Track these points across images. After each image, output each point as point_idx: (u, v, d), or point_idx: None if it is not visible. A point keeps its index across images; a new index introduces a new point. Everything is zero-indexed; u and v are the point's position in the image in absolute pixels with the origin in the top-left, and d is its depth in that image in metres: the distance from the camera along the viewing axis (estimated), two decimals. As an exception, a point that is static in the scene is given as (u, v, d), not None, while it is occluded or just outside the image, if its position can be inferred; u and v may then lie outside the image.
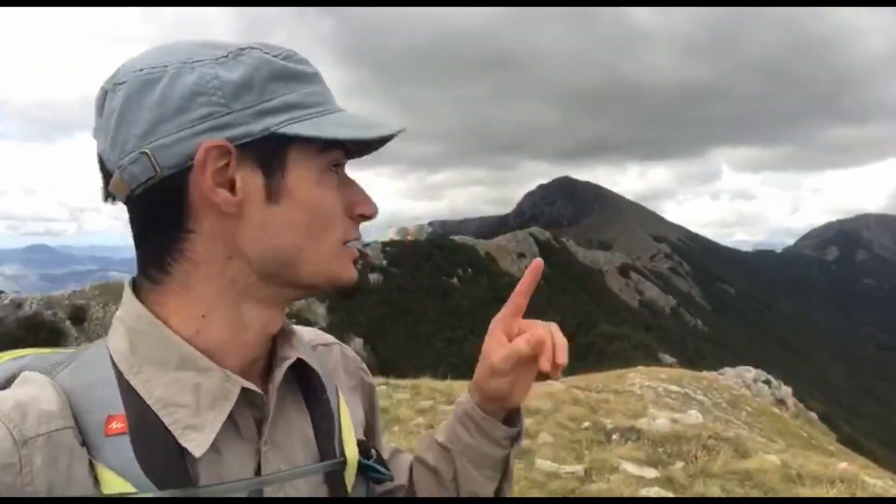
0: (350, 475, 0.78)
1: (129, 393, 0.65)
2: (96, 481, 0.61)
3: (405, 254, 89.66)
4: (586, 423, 7.04)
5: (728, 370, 19.95)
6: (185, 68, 0.66)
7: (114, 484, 0.61)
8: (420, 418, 7.82)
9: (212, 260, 0.69)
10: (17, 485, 0.57)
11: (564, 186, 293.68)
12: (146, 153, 0.64)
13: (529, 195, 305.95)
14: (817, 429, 17.46)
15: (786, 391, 19.19)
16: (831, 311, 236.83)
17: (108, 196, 0.70)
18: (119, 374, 0.66)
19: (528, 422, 7.13)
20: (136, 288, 0.73)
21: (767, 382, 19.31)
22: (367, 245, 78.43)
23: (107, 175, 0.68)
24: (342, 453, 0.78)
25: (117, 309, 0.72)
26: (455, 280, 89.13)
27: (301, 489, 0.72)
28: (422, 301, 79.88)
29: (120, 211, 0.70)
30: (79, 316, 50.21)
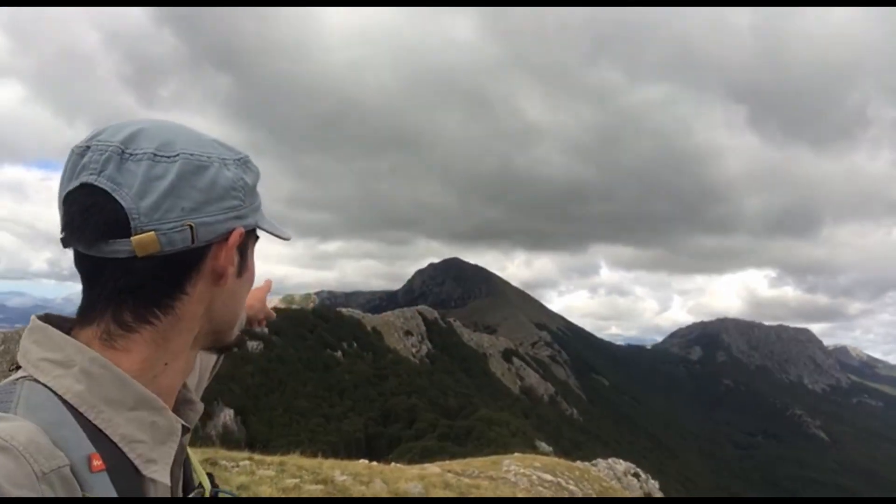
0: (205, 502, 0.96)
1: (95, 432, 0.73)
2: None
3: (289, 323, 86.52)
4: (453, 512, 6.72)
5: (600, 461, 20.13)
6: (225, 164, 0.86)
7: None
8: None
9: (191, 317, 0.84)
10: None
11: (454, 267, 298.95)
12: (191, 226, 0.80)
13: (420, 273, 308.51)
14: (681, 523, 17.85)
15: (653, 485, 19.58)
16: (695, 408, 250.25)
17: (94, 242, 0.79)
18: (78, 415, 0.73)
19: (397, 508, 6.76)
20: (57, 325, 0.81)
21: (636, 476, 19.61)
22: (248, 311, 74.80)
23: (115, 226, 0.78)
24: (199, 483, 0.96)
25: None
26: (339, 353, 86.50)
27: None
28: (301, 373, 76.56)
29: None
30: None
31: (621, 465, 20.23)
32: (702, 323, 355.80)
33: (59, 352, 0.76)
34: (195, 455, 0.98)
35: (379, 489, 7.15)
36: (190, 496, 0.89)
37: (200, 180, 0.81)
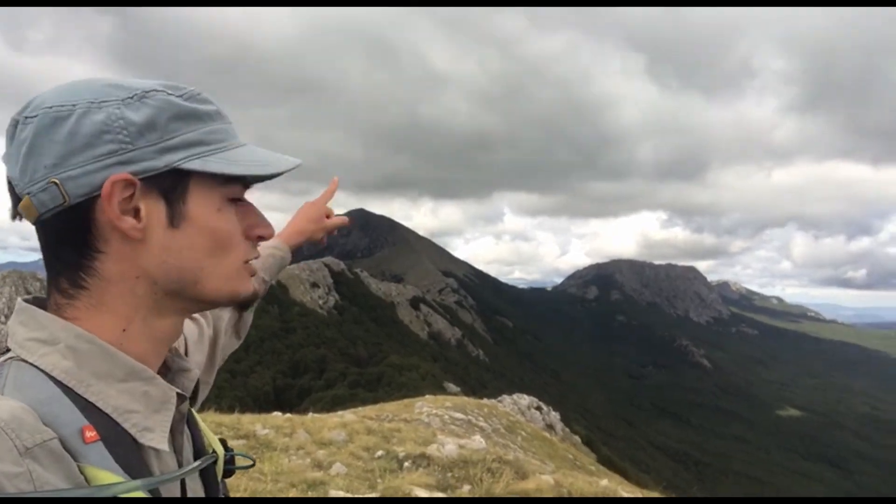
0: (219, 468, 0.93)
1: (86, 406, 0.72)
2: (90, 484, 0.67)
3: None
4: (380, 452, 7.05)
5: (506, 397, 20.97)
6: (92, 108, 0.74)
7: (108, 481, 0.68)
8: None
9: (121, 279, 0.77)
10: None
11: (360, 218, 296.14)
12: (55, 182, 0.73)
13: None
14: (581, 451, 19.19)
15: (554, 417, 20.78)
16: (592, 344, 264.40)
17: (17, 215, 0.78)
18: (68, 390, 0.72)
19: (321, 453, 7.01)
20: (40, 305, 0.80)
21: (539, 409, 20.66)
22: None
23: (16, 197, 0.76)
24: (213, 449, 0.93)
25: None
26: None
27: (194, 482, 0.87)
28: (204, 330, 74.44)
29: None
30: None
31: (525, 399, 21.25)
32: (597, 265, 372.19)
33: (43, 330, 0.76)
34: None
35: (304, 440, 7.32)
36: (196, 464, 0.86)
37: (58, 132, 0.74)
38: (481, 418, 13.95)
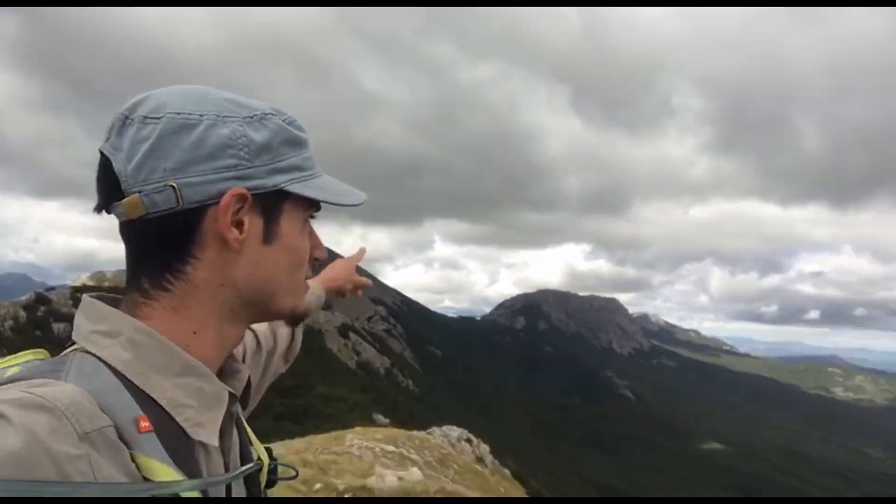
0: (263, 476, 0.94)
1: (142, 397, 0.75)
2: (141, 474, 0.70)
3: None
4: (318, 485, 6.73)
5: (436, 429, 20.70)
6: (218, 121, 0.80)
7: (160, 472, 0.71)
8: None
9: (206, 286, 0.81)
10: (90, 476, 0.64)
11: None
12: (173, 186, 0.77)
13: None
14: (511, 483, 19.03)
15: (484, 449, 20.60)
16: (521, 374, 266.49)
17: (103, 209, 0.81)
18: (126, 381, 0.75)
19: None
20: (110, 302, 0.83)
21: (469, 441, 20.45)
22: (50, 290, 67.75)
23: (110, 190, 0.79)
24: (258, 456, 0.95)
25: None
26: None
27: (239, 487, 0.88)
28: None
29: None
30: None
31: (455, 431, 20.99)
32: (525, 294, 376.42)
33: (105, 323, 0.79)
34: None
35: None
36: (246, 468, 0.87)
37: (184, 139, 0.78)
38: (413, 450, 13.57)
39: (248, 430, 0.97)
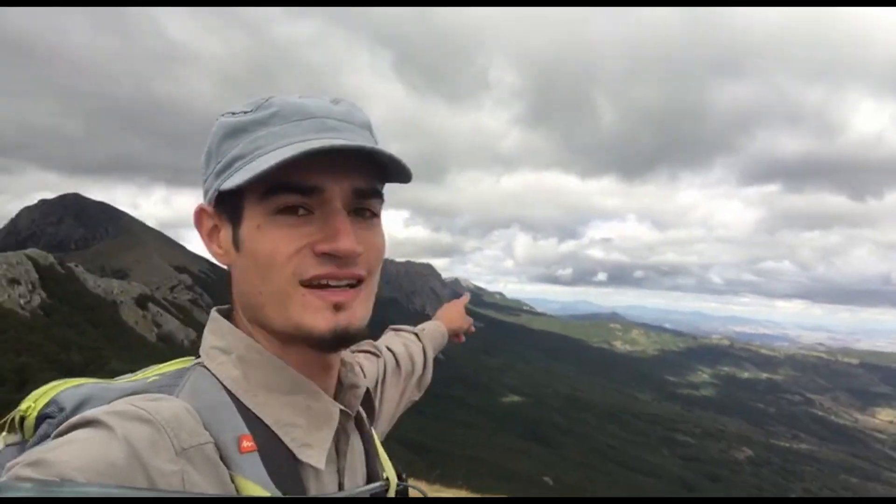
0: (391, 495, 0.89)
1: (249, 415, 0.74)
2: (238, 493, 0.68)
3: None
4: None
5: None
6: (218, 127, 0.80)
7: (256, 493, 0.69)
8: None
9: (236, 303, 0.81)
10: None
11: (74, 205, 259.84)
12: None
13: (28, 210, 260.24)
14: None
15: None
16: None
17: None
18: (235, 399, 0.74)
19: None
20: (226, 315, 0.82)
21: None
22: None
23: None
24: (385, 476, 0.89)
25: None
26: (-89, 311, 68.99)
27: None
28: None
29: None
30: None
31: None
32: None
33: (223, 339, 0.78)
34: None
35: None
36: (368, 487, 0.83)
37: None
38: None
39: (380, 448, 0.93)
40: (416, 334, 1.40)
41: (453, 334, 1.59)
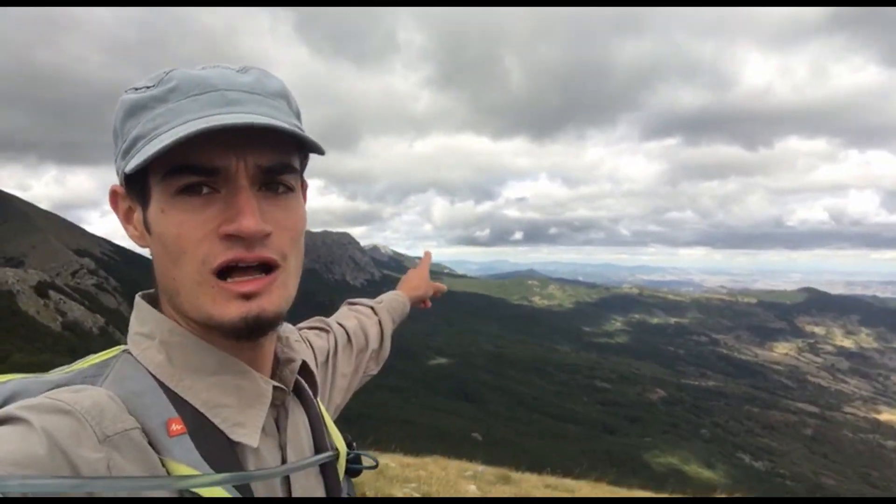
0: (341, 466, 0.89)
1: (176, 399, 0.72)
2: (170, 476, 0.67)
3: None
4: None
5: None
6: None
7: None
8: None
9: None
10: None
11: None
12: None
13: None
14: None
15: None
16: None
17: None
18: (162, 384, 0.73)
19: None
20: (151, 300, 0.80)
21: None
22: None
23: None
24: (334, 446, 0.89)
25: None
26: None
27: (309, 479, 0.82)
28: None
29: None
30: None
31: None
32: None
33: (146, 325, 0.77)
34: None
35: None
36: (314, 458, 0.82)
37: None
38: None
39: (328, 419, 0.92)
40: (373, 307, 1.37)
41: (418, 300, 1.56)
